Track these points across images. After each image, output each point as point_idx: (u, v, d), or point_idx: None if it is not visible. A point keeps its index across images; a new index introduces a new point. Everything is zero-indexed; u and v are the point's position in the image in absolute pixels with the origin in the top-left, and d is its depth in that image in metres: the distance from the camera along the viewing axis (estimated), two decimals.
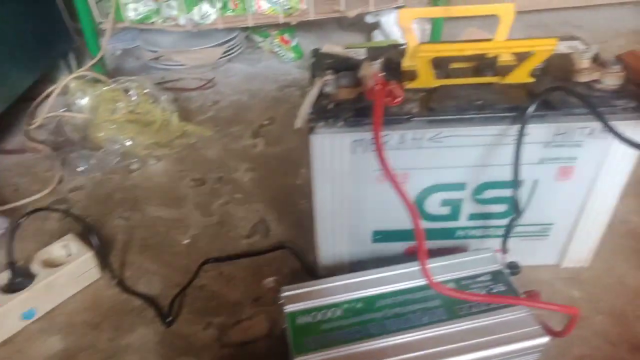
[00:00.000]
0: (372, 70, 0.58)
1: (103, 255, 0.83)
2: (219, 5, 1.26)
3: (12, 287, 0.74)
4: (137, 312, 0.76)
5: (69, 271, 0.77)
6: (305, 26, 1.74)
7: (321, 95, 0.63)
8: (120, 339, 0.72)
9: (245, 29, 1.52)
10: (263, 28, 1.53)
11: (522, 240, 0.77)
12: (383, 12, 1.40)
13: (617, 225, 0.88)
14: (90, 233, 0.83)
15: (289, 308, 0.63)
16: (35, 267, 0.77)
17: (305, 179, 0.98)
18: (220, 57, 1.40)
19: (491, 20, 0.66)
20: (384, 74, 0.60)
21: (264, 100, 1.33)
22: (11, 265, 0.75)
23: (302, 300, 0.64)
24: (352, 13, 1.30)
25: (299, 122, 0.62)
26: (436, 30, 1.39)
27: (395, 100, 0.58)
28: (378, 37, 1.57)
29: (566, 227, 0.75)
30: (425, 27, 1.46)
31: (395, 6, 1.32)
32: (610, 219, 0.74)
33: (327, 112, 0.61)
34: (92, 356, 0.70)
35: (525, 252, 0.77)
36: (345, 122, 0.60)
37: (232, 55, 1.47)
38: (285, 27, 1.52)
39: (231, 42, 1.44)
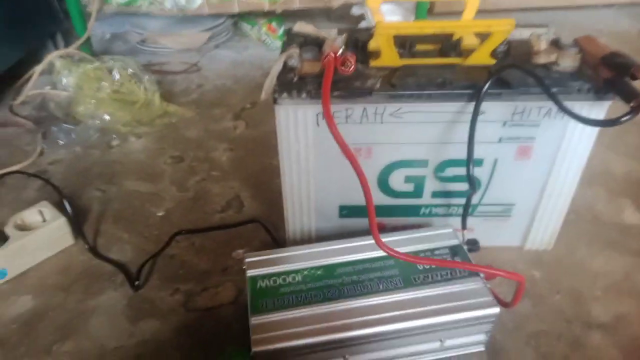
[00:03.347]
0: (332, 43, 0.60)
1: (77, 223, 0.85)
2: None
3: None
4: (107, 276, 0.78)
5: (41, 235, 0.79)
6: (294, 16, 1.75)
7: (286, 69, 0.65)
8: (89, 300, 0.74)
9: (233, 16, 1.54)
10: (251, 16, 1.56)
11: (485, 220, 0.78)
12: None
13: (583, 211, 0.90)
14: (65, 200, 0.86)
15: (251, 272, 0.65)
16: (9, 230, 0.78)
17: None
18: (206, 43, 1.42)
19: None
20: (345, 48, 0.62)
21: (248, 86, 1.35)
22: None
23: (264, 266, 0.66)
24: (336, 3, 1.32)
25: (264, 94, 0.64)
26: None
27: (348, 68, 0.60)
28: None
29: (528, 208, 0.77)
30: (409, 19, 1.49)
31: None
32: (571, 201, 0.75)
33: (291, 84, 0.63)
34: (61, 316, 0.72)
35: (489, 233, 0.79)
36: (309, 94, 0.62)
37: (219, 41, 1.49)
38: (273, 16, 1.54)
39: (218, 28, 1.46)
